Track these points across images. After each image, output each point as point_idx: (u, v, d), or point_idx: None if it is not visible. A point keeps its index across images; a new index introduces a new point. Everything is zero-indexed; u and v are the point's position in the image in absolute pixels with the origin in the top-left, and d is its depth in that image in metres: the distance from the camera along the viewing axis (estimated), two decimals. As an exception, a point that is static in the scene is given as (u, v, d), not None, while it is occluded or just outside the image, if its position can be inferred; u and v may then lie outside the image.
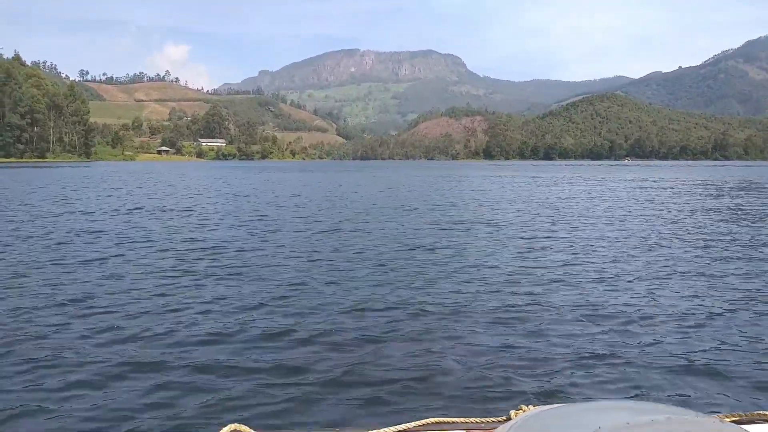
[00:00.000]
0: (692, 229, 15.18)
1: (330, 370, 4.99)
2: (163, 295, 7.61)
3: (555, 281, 8.67)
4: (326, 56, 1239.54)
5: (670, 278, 8.97)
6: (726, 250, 11.67)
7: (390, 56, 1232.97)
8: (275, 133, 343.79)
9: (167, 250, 11.43)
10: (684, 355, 5.39)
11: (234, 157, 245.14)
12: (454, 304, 7.28)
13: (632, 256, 10.90)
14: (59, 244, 12.06)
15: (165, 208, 21.15)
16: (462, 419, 1.97)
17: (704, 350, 5.55)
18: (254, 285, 8.32)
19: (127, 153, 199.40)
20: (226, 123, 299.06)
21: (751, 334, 6.09)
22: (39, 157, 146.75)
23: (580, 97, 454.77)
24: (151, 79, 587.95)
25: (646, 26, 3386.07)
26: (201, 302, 7.29)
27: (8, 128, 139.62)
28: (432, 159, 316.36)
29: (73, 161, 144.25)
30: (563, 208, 21.73)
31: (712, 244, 12.44)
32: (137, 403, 4.32)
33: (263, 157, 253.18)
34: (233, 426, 1.81)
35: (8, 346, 5.44)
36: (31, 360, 5.12)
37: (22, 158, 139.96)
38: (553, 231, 14.61)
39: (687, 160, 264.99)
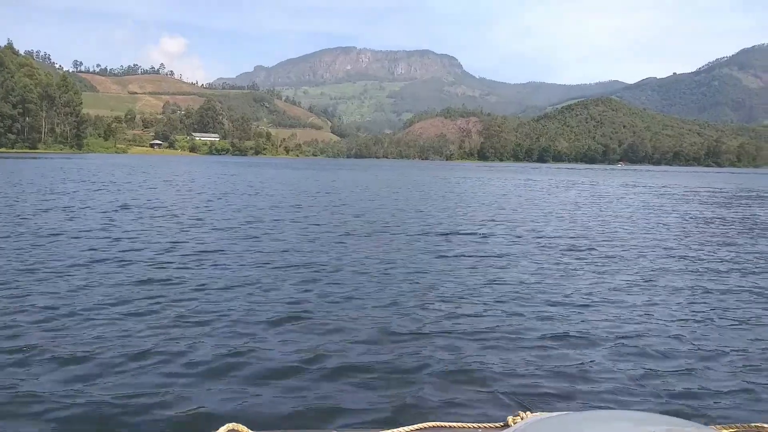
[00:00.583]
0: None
1: (326, 373, 5.00)
2: (154, 296, 7.41)
3: (558, 288, 8.60)
4: (322, 53, 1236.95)
5: (682, 291, 8.72)
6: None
7: (386, 55, 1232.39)
8: (269, 129, 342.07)
9: (147, 249, 10.91)
10: (685, 367, 5.40)
11: (227, 152, 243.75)
12: (453, 308, 7.28)
13: (637, 266, 10.53)
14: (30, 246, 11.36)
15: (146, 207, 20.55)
16: (459, 424, 1.96)
17: (704, 362, 5.57)
18: (254, 286, 8.22)
19: (119, 146, 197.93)
20: (220, 118, 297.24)
21: (752, 346, 6.12)
22: (30, 148, 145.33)
23: (575, 101, 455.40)
24: (145, 72, 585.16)
25: (642, 32, 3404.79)
26: (193, 299, 7.31)
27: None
28: (427, 159, 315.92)
29: (65, 153, 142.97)
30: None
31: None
32: (133, 402, 4.31)
33: (257, 153, 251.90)
34: (231, 425, 1.80)
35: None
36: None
37: (13, 148, 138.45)
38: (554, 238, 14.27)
39: (680, 165, 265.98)
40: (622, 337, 6.21)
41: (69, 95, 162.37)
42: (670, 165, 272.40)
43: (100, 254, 10.22)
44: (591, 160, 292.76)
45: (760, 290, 8.80)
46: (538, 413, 1.74)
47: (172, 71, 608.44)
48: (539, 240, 13.89)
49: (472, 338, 6.08)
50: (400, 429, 1.87)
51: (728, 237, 15.41)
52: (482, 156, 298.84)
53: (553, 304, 7.61)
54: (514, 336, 6.17)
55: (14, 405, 4.23)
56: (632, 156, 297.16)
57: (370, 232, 14.53)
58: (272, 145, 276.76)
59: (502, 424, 1.93)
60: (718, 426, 1.70)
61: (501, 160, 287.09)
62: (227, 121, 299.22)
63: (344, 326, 6.37)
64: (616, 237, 14.75)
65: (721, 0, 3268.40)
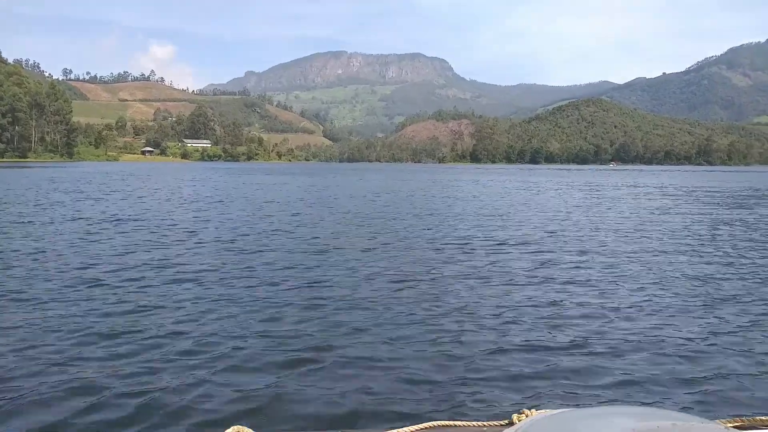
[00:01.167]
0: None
1: (330, 374, 4.98)
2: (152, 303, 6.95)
3: (561, 283, 8.87)
4: (313, 58, 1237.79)
5: (675, 282, 8.98)
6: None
7: (377, 59, 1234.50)
8: (261, 135, 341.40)
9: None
10: (689, 362, 5.42)
11: (219, 159, 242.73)
12: (457, 305, 7.39)
13: (642, 266, 10.25)
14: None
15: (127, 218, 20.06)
16: (464, 423, 1.95)
17: (708, 357, 5.58)
18: (257, 289, 8.23)
19: (110, 153, 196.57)
20: (212, 124, 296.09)
21: (755, 339, 6.19)
22: (20, 157, 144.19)
23: (566, 102, 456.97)
24: (135, 79, 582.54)
25: (631, 32, 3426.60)
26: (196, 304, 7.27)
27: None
28: (419, 162, 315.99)
29: (55, 161, 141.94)
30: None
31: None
32: (139, 404, 4.33)
33: (249, 158, 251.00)
34: (237, 428, 1.80)
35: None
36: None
37: (2, 158, 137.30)
38: (554, 233, 13.99)
39: (671, 164, 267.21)
40: (627, 335, 6.21)
41: (59, 103, 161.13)
42: (662, 164, 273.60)
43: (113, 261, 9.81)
44: (583, 161, 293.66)
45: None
46: (543, 411, 1.74)
47: (162, 78, 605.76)
48: (548, 241, 13.81)
49: (476, 336, 6.07)
50: (406, 428, 1.87)
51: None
52: (474, 158, 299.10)
53: (558, 304, 7.63)
54: (519, 334, 6.18)
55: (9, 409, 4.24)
56: (624, 156, 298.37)
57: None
58: (264, 151, 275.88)
59: (507, 422, 1.92)
60: (721, 420, 1.69)
61: (493, 162, 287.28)
62: (219, 127, 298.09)
63: (348, 327, 6.37)
64: (630, 240, 14.53)
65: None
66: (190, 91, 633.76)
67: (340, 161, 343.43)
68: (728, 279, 9.42)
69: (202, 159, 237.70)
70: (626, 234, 15.62)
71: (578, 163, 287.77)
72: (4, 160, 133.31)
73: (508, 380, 4.92)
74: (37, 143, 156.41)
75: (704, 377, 5.05)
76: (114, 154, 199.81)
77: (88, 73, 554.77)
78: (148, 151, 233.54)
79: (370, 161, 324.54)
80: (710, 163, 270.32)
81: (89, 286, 8.21)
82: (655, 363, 5.37)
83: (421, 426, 1.90)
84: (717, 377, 5.05)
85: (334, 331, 6.17)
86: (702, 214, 22.04)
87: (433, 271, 9.78)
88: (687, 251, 12.60)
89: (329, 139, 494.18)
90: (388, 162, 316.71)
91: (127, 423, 4.07)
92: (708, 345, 5.91)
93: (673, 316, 7.11)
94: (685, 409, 4.32)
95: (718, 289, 8.67)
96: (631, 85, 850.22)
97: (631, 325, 6.67)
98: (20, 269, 9.50)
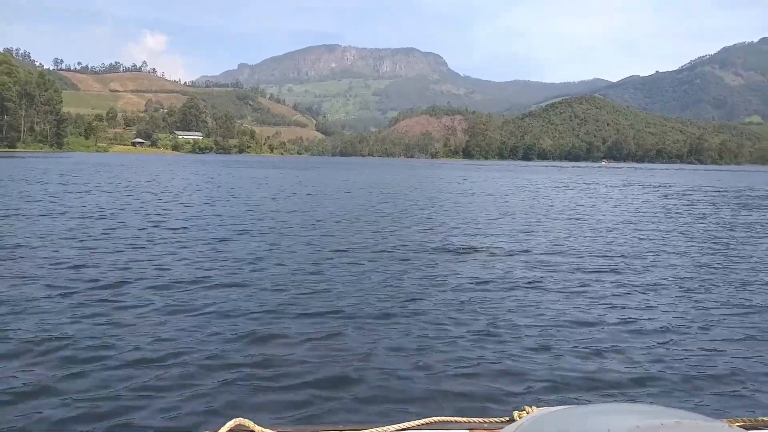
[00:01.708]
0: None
1: (333, 368, 5.03)
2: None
3: (562, 278, 8.96)
4: (307, 51, 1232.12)
5: (681, 283, 8.91)
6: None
7: (371, 53, 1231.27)
8: (254, 127, 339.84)
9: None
10: (692, 360, 5.42)
11: (211, 151, 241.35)
12: (456, 303, 7.42)
13: (636, 258, 9.93)
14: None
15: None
16: (464, 419, 1.94)
17: (712, 355, 5.58)
18: (260, 285, 8.24)
19: (100, 144, 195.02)
20: (204, 116, 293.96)
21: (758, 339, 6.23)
22: (9, 147, 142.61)
23: (559, 99, 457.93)
24: (127, 70, 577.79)
25: (626, 31, 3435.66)
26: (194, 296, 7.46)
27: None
28: (412, 157, 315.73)
29: (45, 151, 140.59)
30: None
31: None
32: (140, 396, 4.38)
33: (240, 151, 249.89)
34: (238, 420, 1.82)
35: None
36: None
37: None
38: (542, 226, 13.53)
39: (663, 163, 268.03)
40: (631, 332, 6.22)
41: (49, 93, 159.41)
42: (653, 162, 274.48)
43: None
44: (575, 158, 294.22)
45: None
46: (544, 407, 1.73)
47: (154, 69, 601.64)
48: (552, 237, 13.81)
49: (478, 333, 6.09)
50: (407, 423, 1.87)
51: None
52: (467, 154, 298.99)
53: (562, 300, 7.65)
54: (520, 331, 6.21)
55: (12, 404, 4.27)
56: (616, 154, 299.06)
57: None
58: (256, 144, 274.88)
59: (507, 418, 1.91)
60: (726, 419, 1.68)
61: (486, 158, 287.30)
62: (211, 119, 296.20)
63: (351, 323, 6.40)
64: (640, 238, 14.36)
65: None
66: (183, 82, 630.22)
67: (333, 155, 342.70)
68: (749, 285, 9.10)
69: (194, 151, 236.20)
70: (635, 234, 15.37)
71: (570, 160, 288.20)
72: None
73: (510, 376, 4.91)
74: (27, 133, 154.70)
75: (710, 376, 5.02)
76: (104, 145, 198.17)
77: (79, 63, 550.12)
78: (139, 143, 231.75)
79: (362, 156, 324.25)
80: (701, 162, 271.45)
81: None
82: (660, 361, 5.34)
83: (422, 421, 1.90)
84: (723, 377, 5.02)
85: (334, 328, 6.18)
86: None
87: (431, 269, 9.79)
88: (699, 250, 12.42)
89: (322, 133, 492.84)
90: (380, 156, 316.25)
91: (127, 414, 4.11)
92: (716, 345, 5.87)
93: (680, 315, 7.03)
94: (689, 407, 4.04)
95: (733, 292, 8.51)
96: (624, 83, 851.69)
97: (638, 323, 6.62)
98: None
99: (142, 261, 9.89)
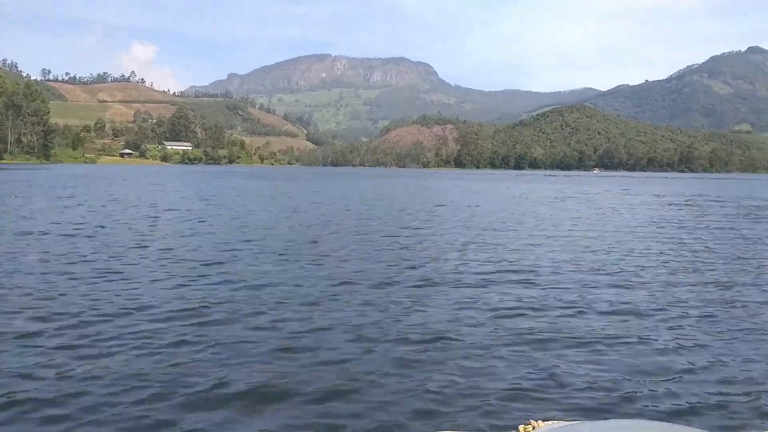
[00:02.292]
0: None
1: (339, 382, 5.02)
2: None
3: (567, 292, 8.82)
4: (297, 60, 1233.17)
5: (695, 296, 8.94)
6: None
7: (362, 62, 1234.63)
8: (243, 138, 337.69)
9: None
10: (701, 377, 5.37)
11: (200, 162, 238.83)
12: (464, 315, 7.42)
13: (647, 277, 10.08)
14: None
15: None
16: None
17: (722, 372, 5.53)
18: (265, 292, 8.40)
19: (87, 155, 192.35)
20: (193, 126, 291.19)
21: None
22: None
23: (550, 108, 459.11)
24: (115, 80, 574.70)
25: (615, 40, 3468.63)
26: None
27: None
28: (404, 166, 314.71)
29: (32, 163, 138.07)
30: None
31: None
32: (142, 416, 4.41)
33: (230, 161, 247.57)
34: None
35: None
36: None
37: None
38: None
39: (654, 171, 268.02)
40: (639, 348, 6.18)
41: (36, 104, 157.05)
42: (644, 171, 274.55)
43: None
44: (567, 167, 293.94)
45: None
46: (550, 422, 1.71)
47: (143, 79, 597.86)
48: (560, 242, 13.60)
49: (483, 347, 6.07)
50: None
51: None
52: (459, 163, 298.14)
53: (568, 314, 7.56)
54: (526, 345, 6.17)
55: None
56: (607, 162, 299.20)
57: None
58: (246, 154, 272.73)
59: None
60: None
61: (477, 167, 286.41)
62: (200, 129, 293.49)
63: (358, 335, 6.41)
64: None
65: (692, 8, 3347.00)
66: (171, 92, 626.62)
67: (324, 165, 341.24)
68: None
69: (183, 162, 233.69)
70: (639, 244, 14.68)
71: (562, 168, 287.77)
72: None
73: (515, 390, 4.90)
74: (13, 145, 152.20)
75: (717, 392, 4.99)
76: (92, 156, 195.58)
77: (67, 73, 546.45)
78: (127, 154, 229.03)
79: (353, 165, 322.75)
80: (692, 170, 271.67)
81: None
82: (671, 377, 5.31)
83: None
84: (731, 392, 4.99)
85: (340, 342, 6.17)
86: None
87: (437, 278, 9.79)
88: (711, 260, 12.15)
89: (313, 143, 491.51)
90: (372, 166, 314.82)
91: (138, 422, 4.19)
92: (723, 359, 5.84)
93: (690, 328, 7.03)
94: (698, 424, 4.24)
95: (745, 305, 8.29)
96: (614, 92, 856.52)
97: (645, 337, 6.59)
98: None
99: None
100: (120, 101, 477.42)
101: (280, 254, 12.23)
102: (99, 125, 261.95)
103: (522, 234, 16.75)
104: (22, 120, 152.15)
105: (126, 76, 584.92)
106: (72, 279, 9.23)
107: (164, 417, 4.38)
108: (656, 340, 6.45)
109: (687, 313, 7.69)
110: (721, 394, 4.92)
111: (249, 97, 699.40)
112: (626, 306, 7.99)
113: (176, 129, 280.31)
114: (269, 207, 26.47)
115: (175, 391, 4.80)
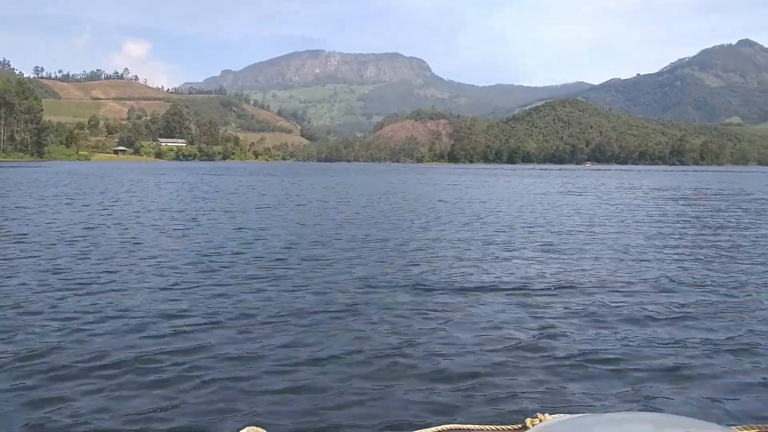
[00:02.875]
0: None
1: (344, 376, 5.02)
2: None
3: (569, 288, 8.65)
4: (291, 56, 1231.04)
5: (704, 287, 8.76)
6: None
7: (355, 58, 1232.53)
8: (238, 134, 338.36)
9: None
10: (707, 369, 5.33)
11: (195, 158, 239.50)
12: (471, 309, 7.40)
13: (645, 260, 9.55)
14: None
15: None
16: (478, 426, 1.93)
17: (730, 364, 5.48)
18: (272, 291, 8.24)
19: (81, 153, 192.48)
20: (187, 123, 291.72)
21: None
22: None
23: (543, 102, 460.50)
24: (109, 77, 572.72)
25: (607, 34, 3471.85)
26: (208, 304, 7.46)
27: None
28: (398, 161, 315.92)
29: (25, 160, 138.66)
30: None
31: None
32: (154, 402, 4.41)
33: (225, 158, 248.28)
34: (251, 429, 1.81)
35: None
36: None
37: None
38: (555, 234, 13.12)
39: (646, 164, 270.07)
40: (644, 339, 6.14)
41: (29, 102, 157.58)
42: (636, 164, 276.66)
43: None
44: (559, 161, 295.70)
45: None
46: (557, 415, 1.72)
47: (136, 76, 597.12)
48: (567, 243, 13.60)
49: (491, 339, 6.06)
50: (421, 431, 1.86)
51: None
52: (453, 158, 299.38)
53: (574, 308, 7.46)
54: (533, 338, 6.13)
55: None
56: (600, 156, 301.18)
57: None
58: (241, 150, 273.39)
59: (520, 426, 1.91)
60: (739, 427, 1.67)
61: (471, 161, 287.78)
62: (194, 126, 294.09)
63: (362, 331, 6.39)
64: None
65: (683, 2, 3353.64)
66: (165, 89, 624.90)
67: (318, 160, 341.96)
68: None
69: (177, 158, 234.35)
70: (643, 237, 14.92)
71: (555, 162, 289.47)
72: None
73: (522, 383, 4.88)
74: (6, 142, 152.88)
75: (724, 385, 4.96)
76: (85, 153, 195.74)
77: (60, 71, 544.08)
78: (121, 151, 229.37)
79: (348, 161, 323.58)
80: (683, 163, 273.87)
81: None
82: (676, 369, 5.29)
83: (435, 429, 1.89)
84: (738, 385, 4.94)
85: (346, 335, 6.18)
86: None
87: (443, 273, 9.73)
88: (714, 255, 11.97)
89: (307, 139, 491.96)
90: (366, 162, 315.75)
91: (140, 417, 4.17)
92: (731, 352, 5.76)
93: (698, 322, 6.89)
94: (704, 416, 3.81)
95: (753, 299, 8.21)
96: (606, 86, 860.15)
97: (652, 330, 6.52)
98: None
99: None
100: (114, 98, 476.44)
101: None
102: (93, 122, 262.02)
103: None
104: (15, 118, 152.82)
105: (119, 74, 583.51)
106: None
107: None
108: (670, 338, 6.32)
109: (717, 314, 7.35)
110: (724, 389, 4.88)
111: (243, 94, 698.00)
112: (651, 308, 7.49)
113: (170, 125, 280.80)
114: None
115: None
